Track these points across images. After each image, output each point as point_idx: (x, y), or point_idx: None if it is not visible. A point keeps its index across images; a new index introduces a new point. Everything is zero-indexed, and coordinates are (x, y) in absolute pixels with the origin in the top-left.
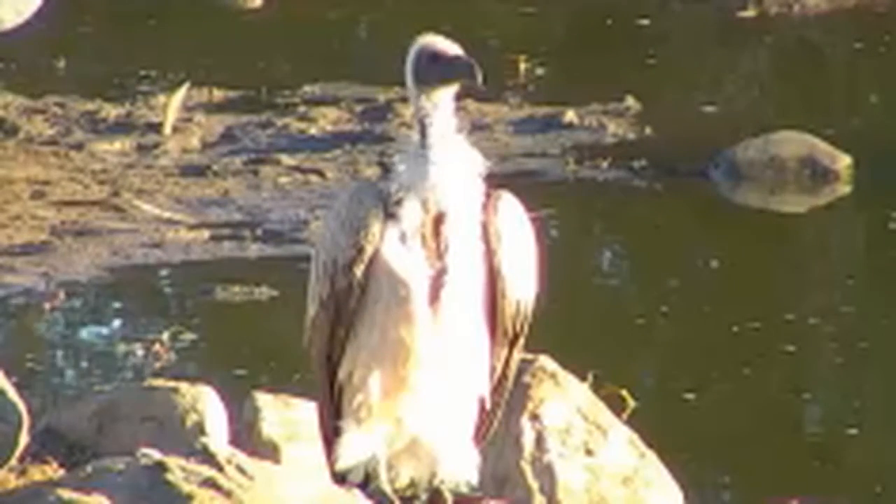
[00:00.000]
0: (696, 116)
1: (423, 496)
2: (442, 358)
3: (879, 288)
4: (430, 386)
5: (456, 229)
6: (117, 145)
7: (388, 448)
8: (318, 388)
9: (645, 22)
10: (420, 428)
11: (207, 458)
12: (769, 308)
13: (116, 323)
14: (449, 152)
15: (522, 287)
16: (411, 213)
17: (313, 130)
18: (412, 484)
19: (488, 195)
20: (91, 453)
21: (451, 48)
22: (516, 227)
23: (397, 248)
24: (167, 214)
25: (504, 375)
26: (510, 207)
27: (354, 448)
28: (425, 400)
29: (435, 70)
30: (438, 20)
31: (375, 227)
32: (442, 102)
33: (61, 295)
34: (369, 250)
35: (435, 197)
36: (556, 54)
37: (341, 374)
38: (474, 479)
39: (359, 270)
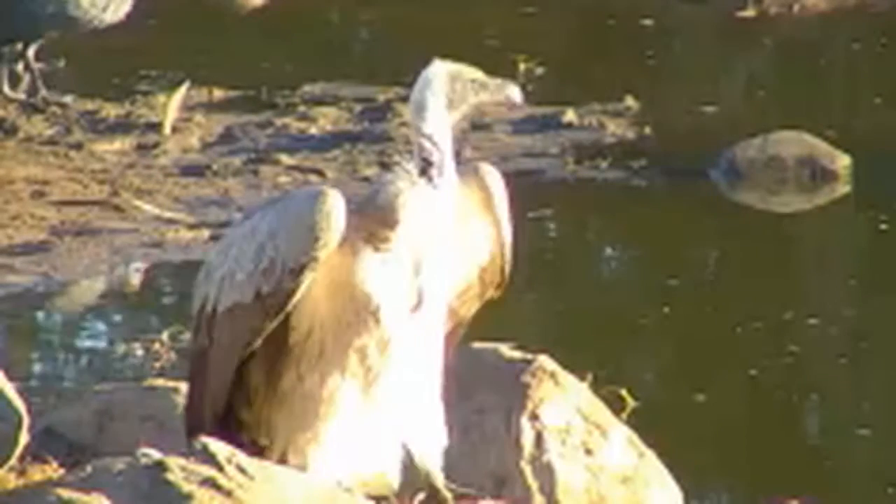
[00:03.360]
0: (696, 116)
1: (421, 495)
2: (415, 356)
3: (879, 288)
4: (402, 383)
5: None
6: (117, 145)
7: (360, 446)
8: (201, 379)
9: (644, 22)
10: (394, 422)
11: (207, 457)
12: (768, 308)
13: (116, 323)
14: (450, 179)
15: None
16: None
17: (313, 130)
18: (386, 478)
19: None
20: (91, 453)
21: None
22: (505, 199)
23: (373, 259)
24: (167, 214)
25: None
26: (498, 181)
27: (335, 455)
28: (398, 397)
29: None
30: (438, 20)
31: (335, 237)
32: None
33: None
34: (322, 259)
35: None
36: (556, 54)
37: (300, 382)
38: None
39: (309, 276)
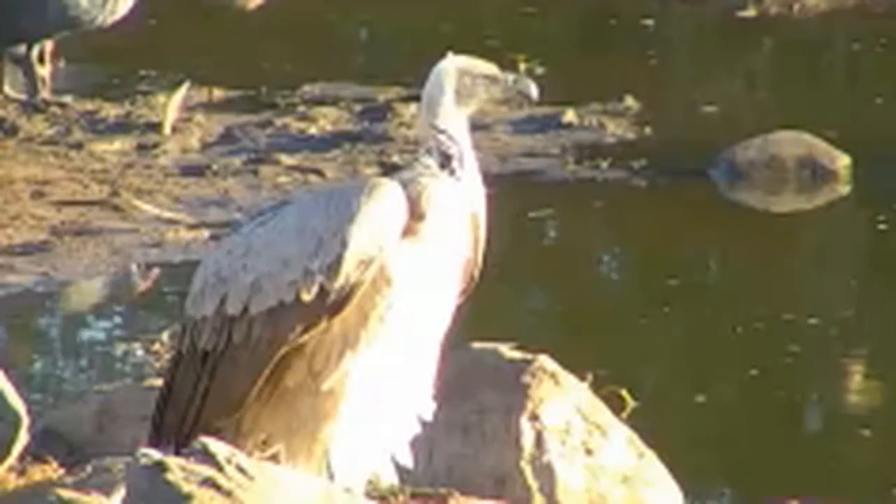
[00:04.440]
0: (696, 116)
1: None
2: (431, 350)
3: (879, 288)
4: (415, 378)
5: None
6: (117, 145)
7: (366, 444)
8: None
9: (644, 22)
10: (401, 419)
11: (207, 457)
12: (768, 308)
13: (116, 323)
14: (474, 174)
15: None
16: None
17: (313, 130)
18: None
19: None
20: (91, 453)
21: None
22: (484, 203)
23: (402, 251)
24: (167, 214)
25: None
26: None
27: (340, 454)
28: (409, 393)
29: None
30: (438, 20)
31: (402, 226)
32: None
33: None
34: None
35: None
36: (556, 54)
37: (311, 379)
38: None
39: (374, 268)
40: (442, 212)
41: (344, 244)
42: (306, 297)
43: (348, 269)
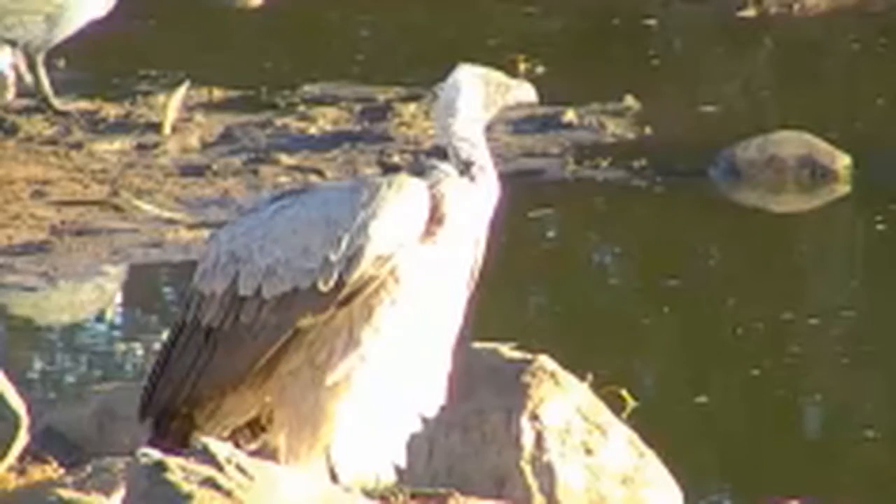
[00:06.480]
0: (696, 116)
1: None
2: (441, 347)
3: (879, 288)
4: (423, 375)
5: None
6: (117, 145)
7: (368, 440)
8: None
9: (644, 22)
10: (406, 415)
11: (207, 457)
12: (768, 308)
13: (116, 323)
14: (492, 180)
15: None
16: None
17: (313, 130)
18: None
19: None
20: (91, 453)
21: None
22: None
23: (418, 251)
24: (167, 214)
25: None
26: None
27: (360, 455)
28: (417, 390)
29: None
30: (438, 20)
31: (424, 223)
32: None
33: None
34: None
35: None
36: (556, 54)
37: (312, 368)
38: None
39: (393, 261)
40: (459, 218)
41: (367, 238)
42: (323, 286)
43: (367, 263)
